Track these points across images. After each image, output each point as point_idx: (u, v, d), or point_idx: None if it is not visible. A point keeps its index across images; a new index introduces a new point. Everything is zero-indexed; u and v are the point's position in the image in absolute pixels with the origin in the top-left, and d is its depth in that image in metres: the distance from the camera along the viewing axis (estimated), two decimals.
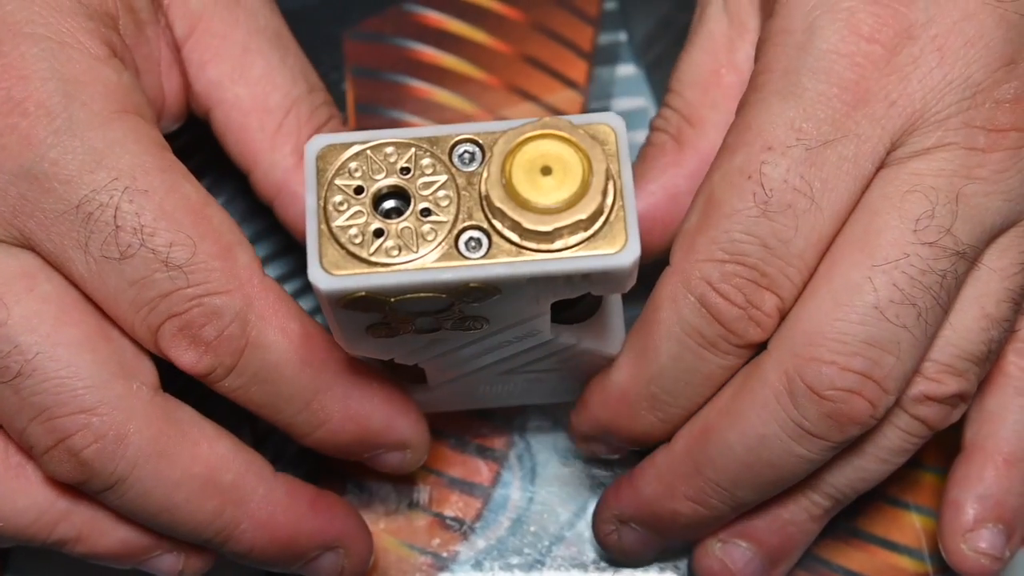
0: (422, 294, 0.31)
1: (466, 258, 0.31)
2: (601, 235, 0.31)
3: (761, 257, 0.34)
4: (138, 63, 0.37)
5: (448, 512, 0.43)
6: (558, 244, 0.31)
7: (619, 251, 0.31)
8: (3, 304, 0.34)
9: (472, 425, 0.44)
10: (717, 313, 0.34)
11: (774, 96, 0.34)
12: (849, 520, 0.43)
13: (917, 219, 0.33)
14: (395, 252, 0.31)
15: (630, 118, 0.47)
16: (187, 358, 0.35)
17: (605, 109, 0.47)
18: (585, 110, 0.47)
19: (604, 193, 0.30)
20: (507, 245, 0.31)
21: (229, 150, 0.40)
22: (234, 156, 0.40)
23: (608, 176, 0.31)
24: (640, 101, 0.47)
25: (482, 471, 0.44)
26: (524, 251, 0.31)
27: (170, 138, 0.37)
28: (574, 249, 0.31)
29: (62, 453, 0.35)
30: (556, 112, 0.47)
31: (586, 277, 0.31)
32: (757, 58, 0.36)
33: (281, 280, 0.42)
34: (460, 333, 0.34)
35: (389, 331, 0.33)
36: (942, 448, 0.43)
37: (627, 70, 0.48)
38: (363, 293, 0.31)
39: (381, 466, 0.39)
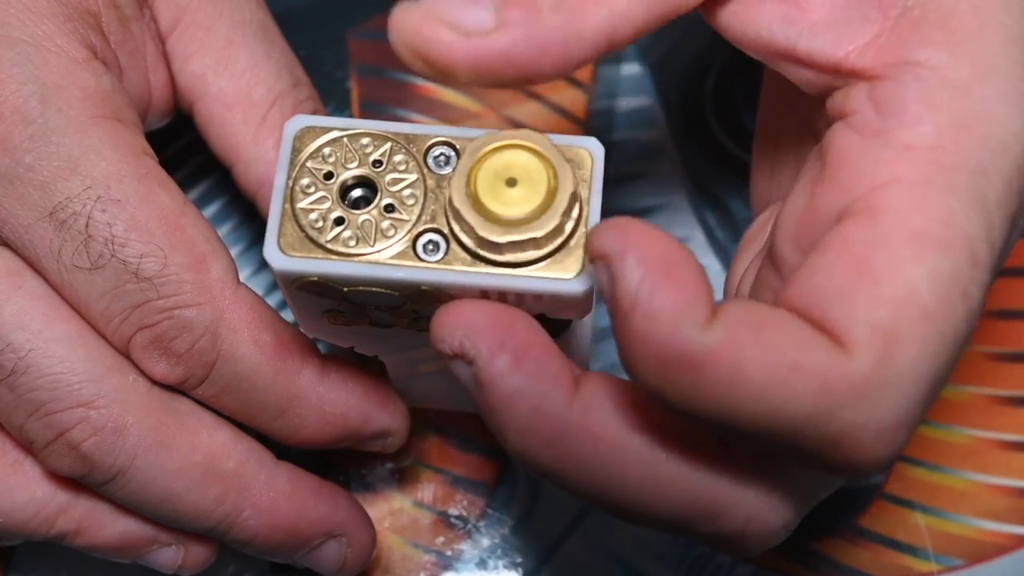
0: (374, 288, 0.31)
1: (421, 260, 0.31)
2: (558, 258, 0.30)
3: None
4: (123, 60, 0.37)
5: (452, 510, 0.43)
6: (509, 257, 0.30)
7: (573, 278, 0.30)
8: None
9: (476, 423, 0.44)
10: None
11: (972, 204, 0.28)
12: (854, 519, 0.43)
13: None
14: (352, 243, 0.31)
15: (634, 117, 0.47)
16: (159, 369, 0.35)
17: (610, 108, 0.47)
18: (589, 109, 0.47)
19: (566, 214, 0.30)
20: (463, 254, 0.31)
21: (211, 144, 0.40)
22: (216, 150, 0.40)
23: (574, 199, 0.30)
24: (645, 100, 0.47)
25: (486, 469, 0.44)
26: (479, 262, 0.31)
27: (169, 139, 0.37)
28: (528, 268, 0.30)
29: (62, 447, 0.35)
30: (561, 110, 0.47)
31: (538, 298, 0.31)
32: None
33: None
34: (416, 333, 0.34)
35: (345, 319, 0.33)
36: (949, 447, 0.44)
37: (632, 69, 0.48)
38: (315, 278, 0.31)
39: (363, 449, 0.39)
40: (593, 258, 0.28)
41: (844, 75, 0.31)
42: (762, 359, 0.27)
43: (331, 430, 0.37)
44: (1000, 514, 0.43)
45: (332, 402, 0.37)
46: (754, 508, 0.29)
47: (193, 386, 0.36)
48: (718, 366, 0.27)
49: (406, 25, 0.30)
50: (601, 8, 0.30)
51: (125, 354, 0.35)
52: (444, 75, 0.30)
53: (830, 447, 0.28)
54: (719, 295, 0.37)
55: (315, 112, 0.40)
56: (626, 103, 0.47)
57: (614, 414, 0.29)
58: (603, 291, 0.28)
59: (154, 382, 0.36)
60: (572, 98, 0.47)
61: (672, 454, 0.29)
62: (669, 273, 0.27)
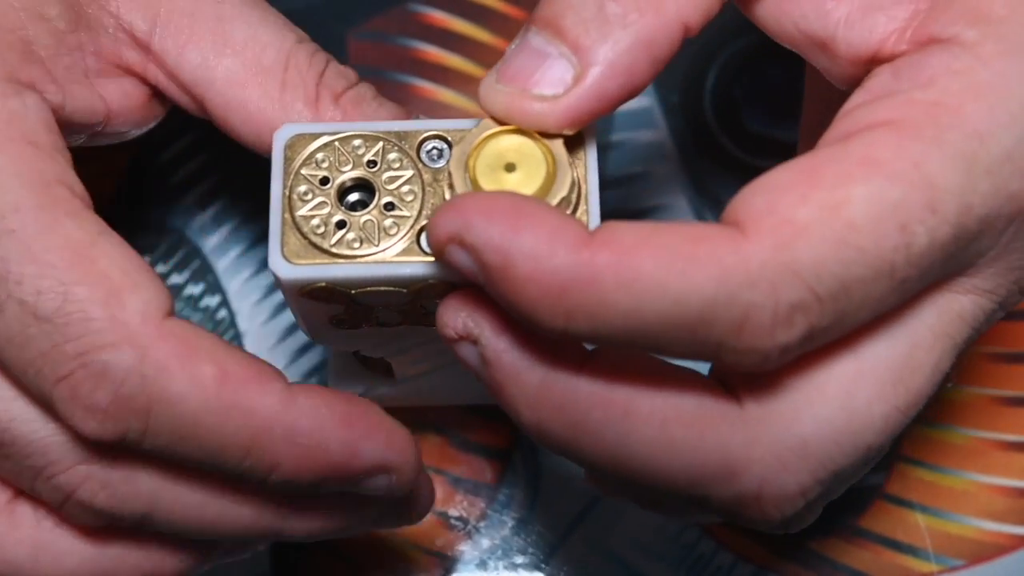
0: (382, 287, 0.31)
1: (427, 254, 0.31)
2: None
3: (835, 298, 0.28)
4: (59, 74, 0.34)
5: (452, 512, 0.43)
6: None
7: None
8: None
9: (476, 424, 0.44)
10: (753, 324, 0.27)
11: (958, 157, 0.28)
12: (853, 519, 0.43)
13: (944, 372, 0.30)
14: (356, 244, 0.31)
15: (634, 117, 0.47)
16: (89, 428, 0.31)
17: None
18: None
19: (568, 193, 0.30)
20: None
21: (238, 133, 0.36)
22: (245, 139, 0.36)
23: (573, 177, 0.31)
24: (644, 101, 0.47)
25: (486, 470, 0.44)
26: None
27: (169, 140, 0.36)
28: None
29: (75, 507, 0.33)
30: None
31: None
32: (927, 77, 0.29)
33: None
34: (424, 328, 0.34)
35: (352, 323, 0.33)
36: (949, 448, 0.43)
37: None
38: (323, 284, 0.31)
39: (372, 494, 0.34)
40: (443, 246, 0.28)
41: (879, 63, 0.30)
42: (655, 256, 0.27)
43: (311, 464, 0.32)
44: (1000, 514, 0.43)
45: (305, 431, 0.32)
46: (768, 468, 0.29)
47: (137, 442, 0.31)
48: (613, 272, 0.26)
49: (496, 107, 0.30)
50: (668, 5, 0.30)
51: (55, 415, 0.32)
52: (548, 131, 0.30)
53: (735, 334, 0.27)
54: None
55: (329, 60, 0.37)
56: (625, 104, 0.47)
57: (622, 377, 0.29)
58: (468, 271, 0.28)
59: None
60: None
61: (682, 416, 0.29)
62: (523, 214, 0.27)
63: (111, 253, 0.31)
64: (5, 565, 0.34)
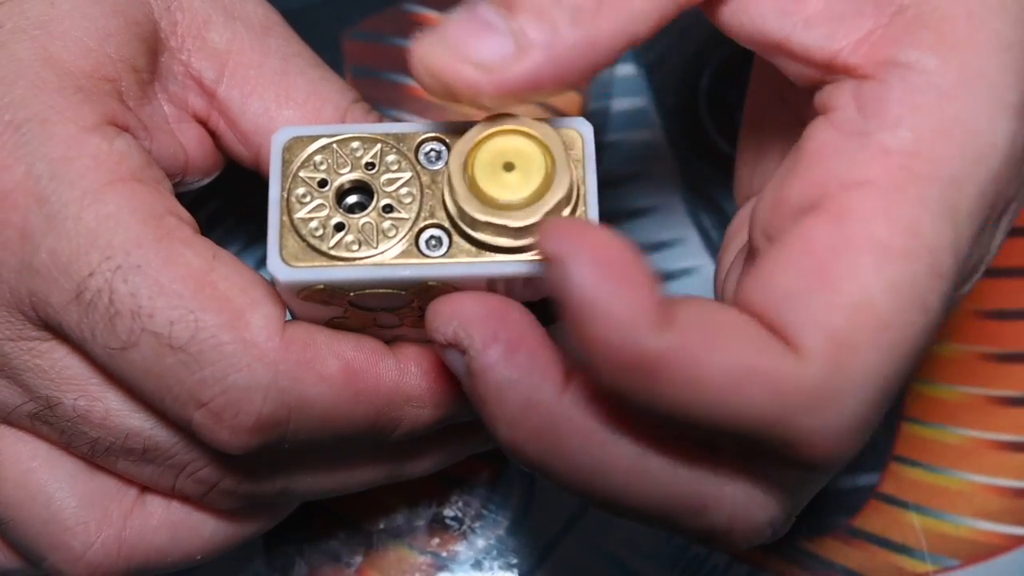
0: (381, 290, 0.31)
1: (426, 256, 0.31)
2: None
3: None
4: (148, 122, 0.36)
5: (448, 512, 0.43)
6: (522, 242, 0.31)
7: None
8: (96, 399, 0.34)
9: None
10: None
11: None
12: (848, 519, 0.43)
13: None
14: (355, 247, 0.31)
15: (629, 118, 0.47)
16: (233, 446, 0.33)
17: (605, 109, 0.47)
18: (584, 110, 0.47)
19: (567, 192, 0.30)
20: (467, 245, 0.31)
21: None
22: None
23: (571, 177, 0.31)
24: (640, 101, 0.47)
25: (482, 470, 0.44)
26: (483, 251, 0.31)
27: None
28: (534, 251, 0.31)
29: (219, 495, 0.35)
30: (554, 111, 0.47)
31: (545, 280, 0.31)
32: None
33: None
34: (423, 331, 0.34)
35: (350, 326, 0.33)
36: (943, 448, 0.44)
37: (627, 70, 0.48)
38: (322, 286, 0.31)
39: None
40: (545, 258, 0.28)
41: (835, 71, 0.31)
42: (718, 362, 0.27)
43: (427, 418, 0.35)
44: (995, 514, 0.43)
45: (421, 394, 0.35)
46: (739, 504, 0.30)
47: (280, 443, 0.33)
48: (674, 369, 0.27)
49: (429, 62, 0.30)
50: (619, 13, 0.30)
51: (191, 436, 0.34)
52: (471, 104, 0.30)
53: (786, 447, 0.28)
54: (709, 295, 0.37)
55: (382, 119, 0.38)
56: (621, 104, 0.47)
57: (601, 409, 0.29)
58: (554, 289, 0.27)
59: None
60: (567, 99, 0.48)
61: (658, 450, 0.30)
62: (621, 276, 0.27)
63: (228, 275, 0.32)
64: (152, 551, 0.36)
